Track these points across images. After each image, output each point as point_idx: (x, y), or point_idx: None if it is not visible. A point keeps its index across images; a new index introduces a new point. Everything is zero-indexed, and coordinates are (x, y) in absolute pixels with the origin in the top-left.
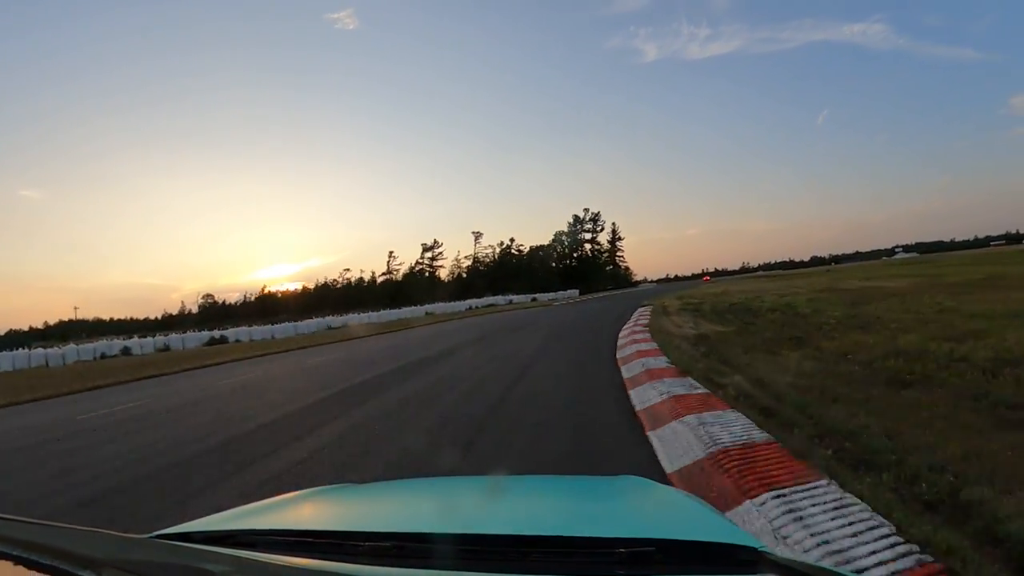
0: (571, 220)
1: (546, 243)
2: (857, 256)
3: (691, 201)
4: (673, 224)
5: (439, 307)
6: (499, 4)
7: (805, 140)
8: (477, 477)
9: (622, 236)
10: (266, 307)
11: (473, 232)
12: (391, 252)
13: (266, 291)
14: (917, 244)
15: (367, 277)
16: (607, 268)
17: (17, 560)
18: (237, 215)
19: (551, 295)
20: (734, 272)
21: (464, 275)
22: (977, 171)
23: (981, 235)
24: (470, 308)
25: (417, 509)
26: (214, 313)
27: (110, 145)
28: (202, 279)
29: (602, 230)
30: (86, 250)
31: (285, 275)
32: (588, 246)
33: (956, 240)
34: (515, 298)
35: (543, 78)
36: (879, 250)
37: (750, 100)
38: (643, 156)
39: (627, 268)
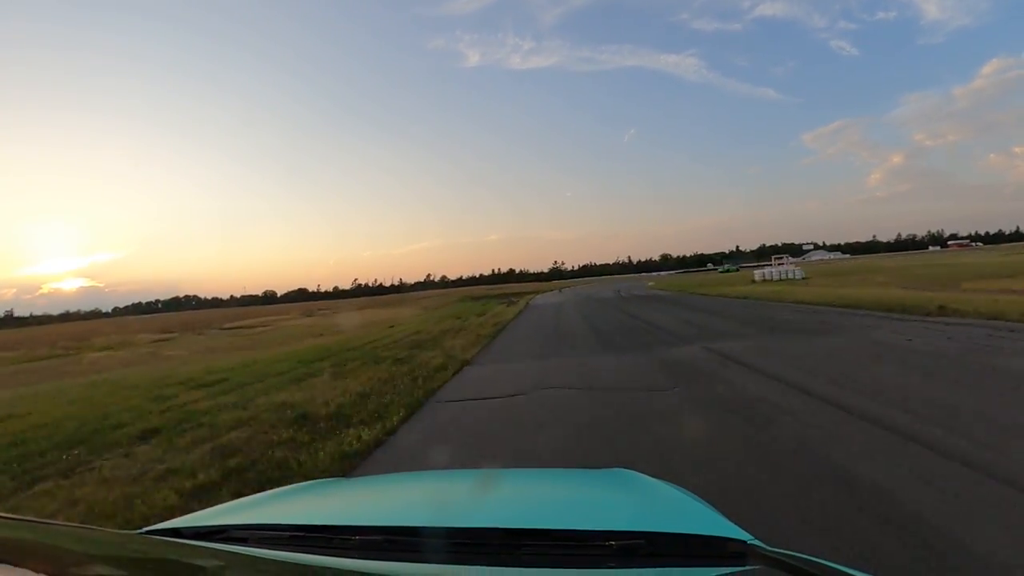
0: None
1: None
2: (739, 256)
3: (493, 207)
4: (477, 229)
5: None
6: None
7: (610, 155)
8: (467, 470)
9: None
10: None
11: None
12: None
13: None
14: (845, 244)
15: None
16: None
17: (8, 559)
18: None
19: None
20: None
21: None
22: (767, 192)
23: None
24: None
25: (407, 503)
26: None
27: None
28: None
29: None
30: None
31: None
32: None
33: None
34: None
35: (353, 71)
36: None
37: (563, 113)
38: (451, 156)
39: None
